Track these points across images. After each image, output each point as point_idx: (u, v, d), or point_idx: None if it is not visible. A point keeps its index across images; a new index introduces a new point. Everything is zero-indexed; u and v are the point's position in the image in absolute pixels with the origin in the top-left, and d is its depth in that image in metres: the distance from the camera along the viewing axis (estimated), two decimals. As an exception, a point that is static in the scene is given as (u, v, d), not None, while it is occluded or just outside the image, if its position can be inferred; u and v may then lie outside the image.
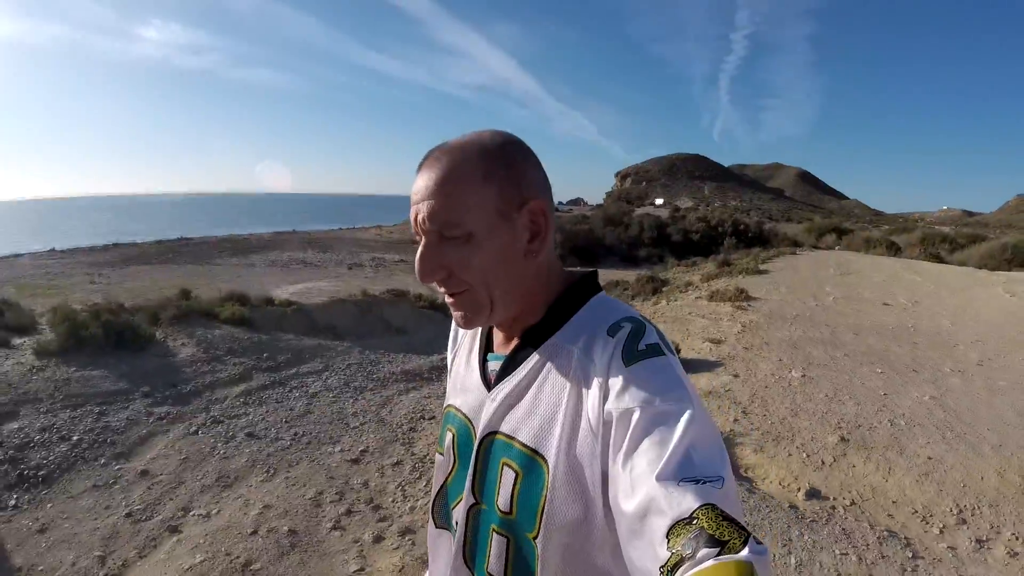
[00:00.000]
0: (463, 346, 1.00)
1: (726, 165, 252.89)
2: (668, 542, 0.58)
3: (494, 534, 0.82)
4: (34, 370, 5.11)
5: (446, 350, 1.03)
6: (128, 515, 3.33)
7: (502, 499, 0.80)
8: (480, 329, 0.96)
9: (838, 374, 5.43)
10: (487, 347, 0.93)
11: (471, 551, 0.86)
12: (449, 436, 0.95)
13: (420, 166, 0.81)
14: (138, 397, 4.95)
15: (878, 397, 4.77)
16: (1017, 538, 2.89)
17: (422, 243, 0.79)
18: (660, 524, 0.60)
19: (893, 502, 3.21)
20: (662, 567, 0.58)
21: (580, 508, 0.73)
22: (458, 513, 0.89)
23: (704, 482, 0.61)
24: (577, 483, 0.74)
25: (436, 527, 0.96)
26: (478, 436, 0.86)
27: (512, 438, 0.81)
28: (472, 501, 0.86)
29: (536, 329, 0.84)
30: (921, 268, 15.00)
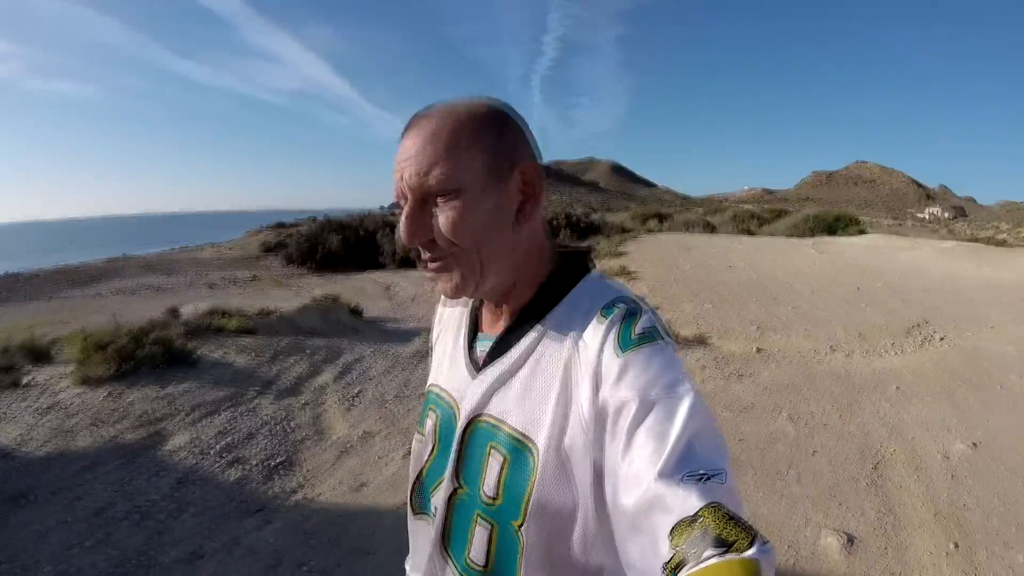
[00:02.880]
0: (448, 328, 1.04)
1: (544, 162, 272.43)
2: (671, 540, 0.62)
3: (478, 522, 0.85)
4: (111, 396, 5.56)
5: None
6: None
7: (488, 485, 0.83)
8: (467, 309, 1.00)
9: (732, 306, 8.68)
10: (474, 328, 0.97)
11: (449, 538, 0.89)
12: (431, 419, 0.98)
13: (406, 130, 0.83)
14: (255, 396, 5.67)
15: (763, 313, 8.06)
16: (864, 352, 6.13)
17: (407, 205, 0.82)
18: (663, 521, 0.63)
19: (797, 348, 6.36)
20: (665, 564, 0.61)
21: (569, 499, 0.77)
22: (437, 499, 0.92)
23: (708, 478, 0.64)
24: (566, 473, 0.77)
25: (415, 515, 0.99)
26: (463, 419, 0.89)
27: (501, 422, 0.84)
28: (454, 486, 0.89)
29: (528, 309, 0.88)
30: (744, 241, 19.53)
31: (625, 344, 0.75)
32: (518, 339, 0.86)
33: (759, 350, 6.29)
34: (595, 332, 0.78)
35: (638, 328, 0.77)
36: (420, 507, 0.98)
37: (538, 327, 0.85)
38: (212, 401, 5.51)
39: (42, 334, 8.98)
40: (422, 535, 0.96)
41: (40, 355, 6.91)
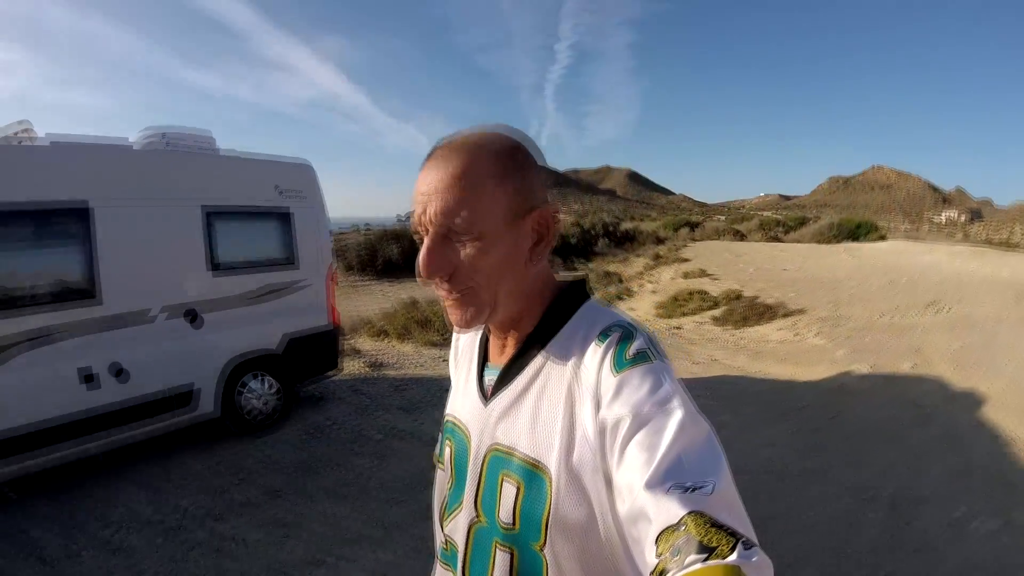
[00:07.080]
0: (462, 360, 1.18)
1: (560, 170, 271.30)
2: (656, 548, 0.69)
3: (497, 549, 0.95)
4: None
5: None
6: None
7: (503, 513, 0.93)
8: (478, 342, 1.12)
9: (808, 293, 13.36)
10: (483, 359, 1.09)
11: (470, 568, 1.00)
12: (448, 449, 1.10)
13: (428, 159, 0.91)
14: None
15: (833, 295, 12.78)
16: (900, 316, 10.90)
17: (427, 240, 0.91)
18: (649, 530, 0.71)
19: (860, 314, 11.12)
20: (651, 572, 0.69)
21: (586, 514, 0.86)
22: (452, 527, 1.05)
23: (693, 489, 0.71)
24: (581, 490, 0.86)
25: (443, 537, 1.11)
26: (477, 450, 1.01)
27: (512, 451, 0.94)
28: (473, 516, 1.00)
29: (531, 339, 0.99)
30: (783, 247, 24.37)
31: (620, 365, 0.86)
32: (522, 368, 0.97)
33: (839, 315, 11.12)
34: (593, 355, 0.89)
35: (631, 350, 0.87)
36: (443, 532, 1.11)
37: (541, 355, 0.96)
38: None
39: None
40: (448, 562, 1.08)
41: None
